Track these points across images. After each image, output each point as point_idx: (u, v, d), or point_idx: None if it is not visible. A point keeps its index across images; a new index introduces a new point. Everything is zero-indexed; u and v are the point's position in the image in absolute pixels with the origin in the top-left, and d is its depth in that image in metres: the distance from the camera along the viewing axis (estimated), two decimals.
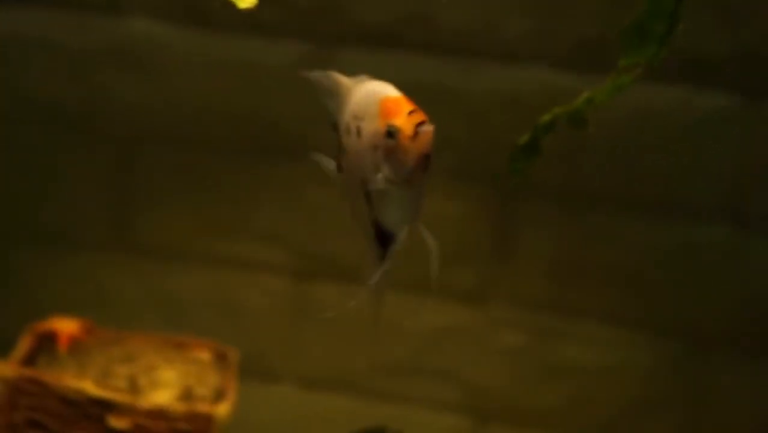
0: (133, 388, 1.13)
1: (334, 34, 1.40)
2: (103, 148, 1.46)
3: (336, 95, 0.77)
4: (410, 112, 0.71)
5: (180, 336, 1.23)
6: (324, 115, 1.33)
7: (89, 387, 1.07)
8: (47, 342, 1.17)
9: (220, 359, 1.20)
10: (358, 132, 0.74)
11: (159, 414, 1.08)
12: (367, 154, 0.73)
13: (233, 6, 1.37)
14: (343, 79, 0.76)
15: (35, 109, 1.45)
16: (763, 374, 1.42)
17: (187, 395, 1.14)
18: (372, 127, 0.72)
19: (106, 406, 1.07)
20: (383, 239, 0.77)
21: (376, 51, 1.39)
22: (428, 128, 0.70)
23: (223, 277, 1.48)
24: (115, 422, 1.07)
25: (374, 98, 0.73)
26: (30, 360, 1.13)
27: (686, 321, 1.43)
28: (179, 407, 1.09)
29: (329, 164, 0.80)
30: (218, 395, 1.15)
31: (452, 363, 1.48)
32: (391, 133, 0.71)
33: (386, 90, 0.73)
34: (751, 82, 1.34)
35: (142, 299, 1.49)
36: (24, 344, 1.14)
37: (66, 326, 1.17)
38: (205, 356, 1.20)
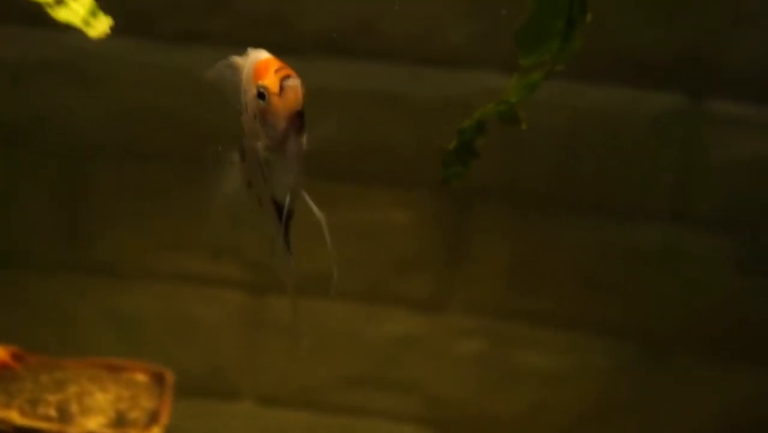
0: (64, 415, 1.12)
1: (280, 44, 1.38)
2: (50, 164, 1.44)
3: (238, 80, 0.75)
4: (276, 70, 0.69)
5: (115, 359, 1.22)
6: None
7: (14, 416, 1.06)
8: None
9: (157, 381, 1.19)
10: (247, 107, 0.72)
11: None
12: (253, 126, 0.71)
13: (173, 13, 1.38)
14: (239, 60, 0.75)
15: None
16: (719, 375, 1.41)
17: (119, 420, 1.13)
18: (251, 95, 0.70)
19: None
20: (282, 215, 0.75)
21: (323, 60, 1.38)
22: (293, 82, 0.69)
23: (177, 293, 1.47)
24: None
25: (251, 66, 0.71)
26: None
27: (642, 324, 1.41)
28: None
29: (232, 157, 0.78)
30: (152, 419, 1.13)
31: (411, 373, 1.46)
32: (261, 94, 0.69)
33: (259, 55, 0.72)
34: (693, 82, 1.32)
35: (95, 319, 1.47)
36: None
37: None
38: (141, 378, 1.19)
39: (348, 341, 1.46)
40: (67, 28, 1.39)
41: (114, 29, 1.38)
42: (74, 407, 1.12)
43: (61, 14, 0.70)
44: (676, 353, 1.41)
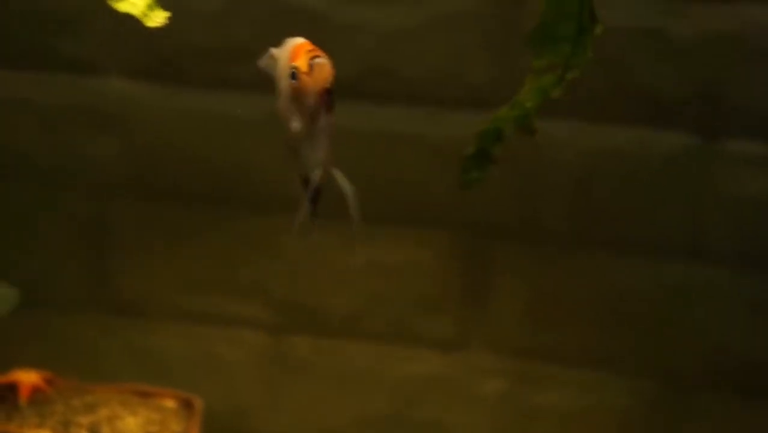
0: None
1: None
2: (78, 205, 1.47)
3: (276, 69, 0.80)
4: (307, 51, 0.74)
5: (145, 385, 1.23)
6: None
7: None
8: (8, 394, 1.16)
9: (185, 406, 1.20)
10: (282, 92, 0.77)
11: None
12: (288, 109, 0.75)
13: (203, 60, 1.41)
14: (276, 51, 0.79)
15: (9, 166, 1.46)
16: (740, 413, 1.40)
17: None
18: (285, 78, 0.75)
19: None
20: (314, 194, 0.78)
21: (342, 102, 1.40)
22: (322, 60, 0.73)
23: (201, 332, 1.48)
24: None
25: (286, 53, 0.76)
26: None
27: (663, 362, 1.41)
28: None
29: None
30: None
31: (432, 413, 1.46)
32: (293, 75, 0.73)
33: (294, 41, 0.76)
34: (707, 122, 1.34)
35: (119, 357, 1.48)
36: None
37: (27, 378, 1.16)
38: (169, 404, 1.20)
39: (369, 381, 1.47)
40: (95, 73, 1.43)
41: (142, 73, 1.43)
42: (105, 430, 1.13)
43: (122, 6, 0.76)
44: (697, 391, 1.41)
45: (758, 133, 1.34)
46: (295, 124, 0.75)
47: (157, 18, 0.78)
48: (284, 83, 0.76)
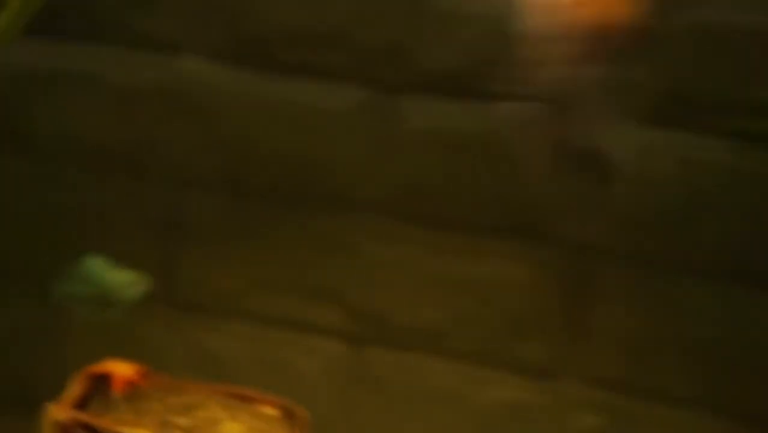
0: None
1: (396, 81, 1.34)
2: (150, 192, 1.42)
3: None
4: None
5: (243, 389, 1.15)
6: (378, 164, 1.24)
7: None
8: (101, 385, 1.08)
9: (288, 416, 1.11)
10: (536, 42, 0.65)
11: None
12: (540, 56, 0.64)
13: (291, 44, 1.34)
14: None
15: (82, 149, 1.42)
16: None
17: None
18: (542, 19, 0.64)
19: None
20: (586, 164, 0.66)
21: (439, 99, 1.33)
22: None
23: (271, 337, 1.42)
24: None
25: None
26: (82, 404, 1.04)
27: None
28: None
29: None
30: None
31: None
32: (553, 12, 0.61)
33: None
34: None
35: (185, 358, 1.43)
36: (76, 387, 1.07)
37: (121, 370, 1.10)
38: (271, 412, 1.11)
39: (450, 403, 1.40)
40: (174, 53, 1.37)
41: (224, 56, 1.36)
42: None
43: None
44: None
45: None
46: (558, 73, 0.62)
47: None
48: (540, 30, 0.63)
